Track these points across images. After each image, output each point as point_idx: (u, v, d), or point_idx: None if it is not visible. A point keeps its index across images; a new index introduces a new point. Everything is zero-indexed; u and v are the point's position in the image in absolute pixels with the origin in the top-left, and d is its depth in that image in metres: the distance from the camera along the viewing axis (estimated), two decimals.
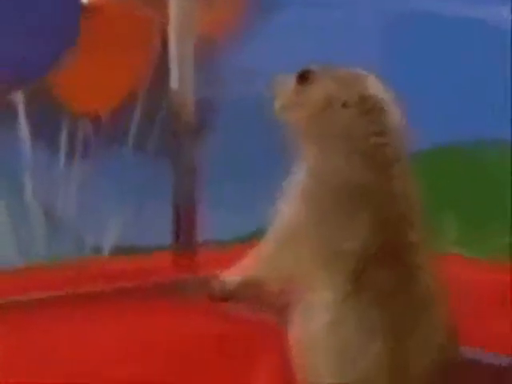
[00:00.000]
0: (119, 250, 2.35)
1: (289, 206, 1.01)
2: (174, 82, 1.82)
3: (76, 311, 1.58)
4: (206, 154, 2.21)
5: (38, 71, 2.29)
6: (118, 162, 2.40)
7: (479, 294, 1.61)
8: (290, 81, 1.05)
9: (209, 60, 2.35)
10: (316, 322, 0.97)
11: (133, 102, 2.40)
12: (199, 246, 1.82)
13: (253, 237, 1.05)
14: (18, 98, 2.31)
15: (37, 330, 1.50)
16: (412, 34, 2.44)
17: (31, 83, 2.31)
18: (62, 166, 2.38)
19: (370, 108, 0.99)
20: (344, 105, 1.00)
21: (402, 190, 0.99)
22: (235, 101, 2.34)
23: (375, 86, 1.01)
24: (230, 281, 1.04)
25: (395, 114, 1.01)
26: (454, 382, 1.00)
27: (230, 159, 2.32)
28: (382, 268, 0.96)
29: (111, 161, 2.40)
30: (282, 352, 1.02)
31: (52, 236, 2.36)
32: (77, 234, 2.38)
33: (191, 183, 1.85)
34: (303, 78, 1.04)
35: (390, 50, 2.38)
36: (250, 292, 1.03)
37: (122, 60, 2.35)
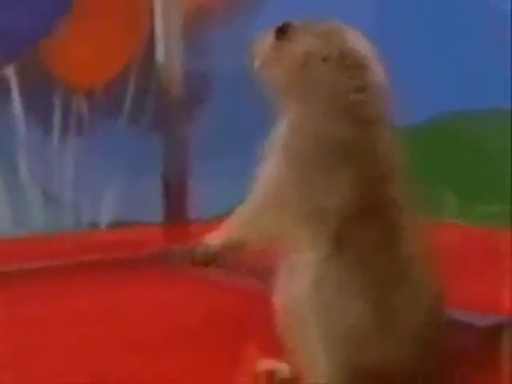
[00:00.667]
0: (114, 224, 2.35)
1: (270, 162, 0.99)
2: (160, 55, 1.81)
3: (73, 280, 1.59)
4: (200, 127, 2.20)
5: (31, 38, 2.28)
6: (113, 136, 2.39)
7: (476, 259, 1.60)
8: (269, 37, 1.03)
9: (202, 32, 2.34)
10: (299, 282, 0.96)
11: (126, 75, 2.38)
12: (191, 219, 1.82)
13: None
14: (11, 73, 2.31)
15: (36, 297, 1.51)
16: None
17: (25, 51, 2.30)
18: (56, 141, 2.37)
19: (350, 63, 0.97)
20: (324, 59, 0.98)
21: (382, 148, 0.97)
22: (230, 74, 2.32)
23: (356, 41, 0.99)
24: (212, 244, 1.03)
25: (377, 71, 0.99)
26: (444, 343, 0.99)
27: (222, 134, 2.31)
28: (364, 227, 0.95)
29: (107, 135, 2.39)
30: (267, 317, 1.01)
31: (48, 209, 2.36)
32: (72, 208, 2.38)
33: (180, 157, 1.84)
34: (282, 32, 1.02)
35: (386, 22, 2.35)
36: (232, 254, 1.02)
37: (115, 33, 2.34)
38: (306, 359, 0.99)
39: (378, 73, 0.99)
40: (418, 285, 0.97)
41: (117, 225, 2.34)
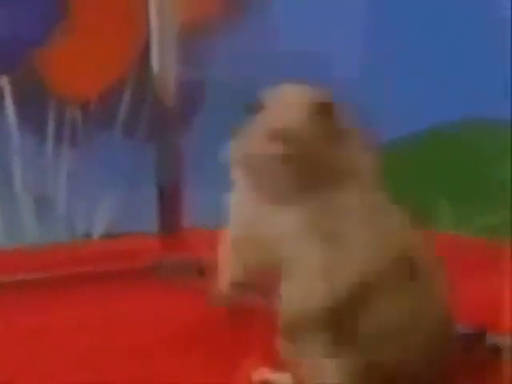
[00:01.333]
0: (109, 235, 2.35)
1: None
2: (154, 66, 1.81)
3: (66, 290, 1.59)
4: (194, 137, 2.20)
5: (25, 47, 2.28)
6: (107, 147, 2.39)
7: (474, 271, 1.60)
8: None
9: (197, 42, 2.34)
10: None
11: (121, 86, 2.38)
12: (185, 228, 1.83)
13: None
14: (5, 83, 2.31)
15: (29, 308, 1.51)
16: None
17: (19, 61, 2.31)
18: (50, 152, 2.37)
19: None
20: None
21: None
22: (224, 83, 2.32)
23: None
24: (224, 288, 1.03)
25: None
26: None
27: (216, 143, 2.30)
28: None
29: (101, 146, 2.39)
30: (265, 326, 1.02)
31: (42, 220, 2.36)
32: (67, 219, 2.38)
33: (174, 166, 1.84)
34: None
35: (385, 30, 2.35)
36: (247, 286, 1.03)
37: (109, 43, 2.34)
38: (311, 365, 0.98)
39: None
40: (428, 295, 0.97)
41: (111, 236, 2.34)
